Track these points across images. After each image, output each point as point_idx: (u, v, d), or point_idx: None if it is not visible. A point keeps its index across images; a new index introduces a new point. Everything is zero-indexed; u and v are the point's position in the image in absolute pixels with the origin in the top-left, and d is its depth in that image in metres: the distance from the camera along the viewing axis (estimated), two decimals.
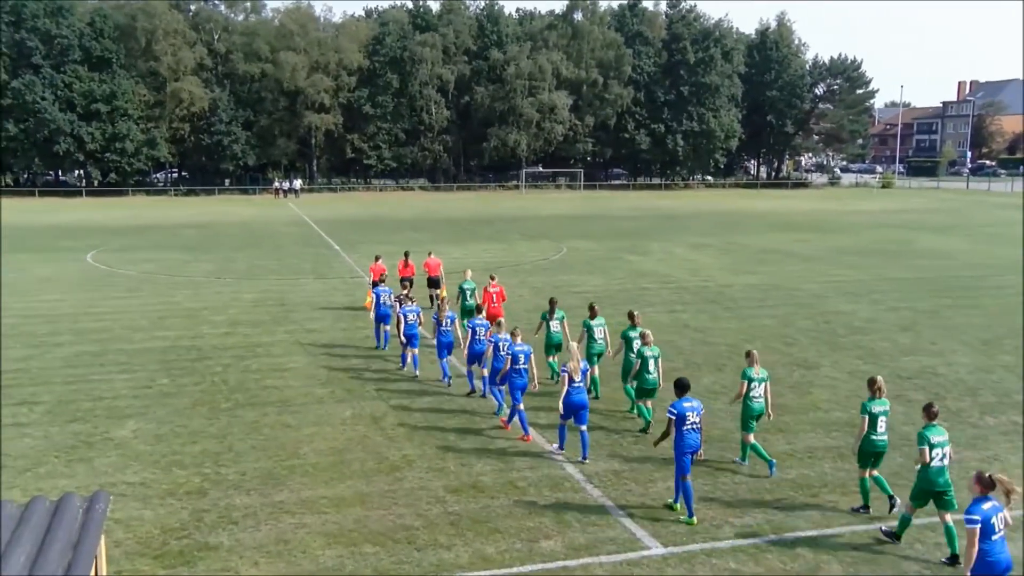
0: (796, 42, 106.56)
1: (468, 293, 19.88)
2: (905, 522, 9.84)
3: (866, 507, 10.70)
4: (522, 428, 13.46)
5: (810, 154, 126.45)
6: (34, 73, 79.86)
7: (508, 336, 13.98)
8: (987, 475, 7.68)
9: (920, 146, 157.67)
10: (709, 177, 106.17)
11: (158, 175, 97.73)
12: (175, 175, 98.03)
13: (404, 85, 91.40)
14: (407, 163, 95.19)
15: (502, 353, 13.90)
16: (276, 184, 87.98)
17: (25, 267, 33.23)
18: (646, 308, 24.32)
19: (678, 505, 10.70)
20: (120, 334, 21.05)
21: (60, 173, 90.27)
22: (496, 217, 59.08)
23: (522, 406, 13.59)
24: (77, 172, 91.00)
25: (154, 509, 10.88)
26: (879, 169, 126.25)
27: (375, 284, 20.79)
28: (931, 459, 9.37)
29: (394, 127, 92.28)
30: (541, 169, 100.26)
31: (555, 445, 12.89)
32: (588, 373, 12.49)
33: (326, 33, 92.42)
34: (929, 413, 9.75)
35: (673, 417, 10.43)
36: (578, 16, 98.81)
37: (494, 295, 18.95)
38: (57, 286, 28.70)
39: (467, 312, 19.07)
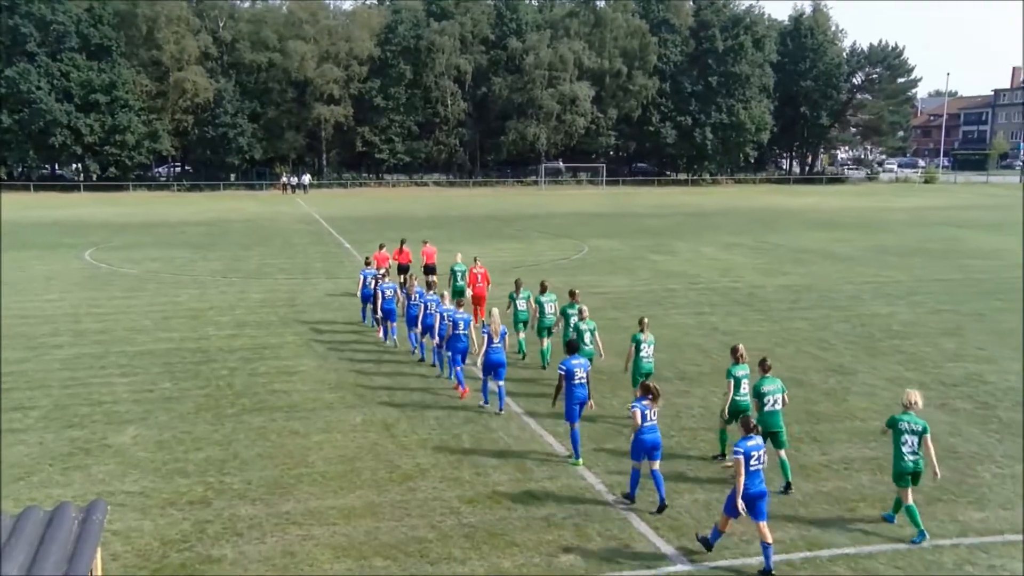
0: (833, 28, 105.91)
1: (459, 275, 22.40)
2: (784, 465, 11.78)
3: (722, 455, 12.83)
4: (459, 382, 16.01)
5: (847, 147, 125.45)
6: (29, 61, 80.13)
7: (454, 307, 16.71)
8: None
9: (968, 138, 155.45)
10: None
11: (160, 169, 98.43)
12: (178, 169, 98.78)
13: (418, 76, 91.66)
14: (421, 157, 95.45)
15: (446, 322, 16.42)
16: (284, 179, 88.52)
17: (23, 265, 33.55)
18: (672, 310, 24.27)
19: (580, 461, 12.69)
20: (121, 335, 21.19)
21: (57, 167, 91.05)
22: (514, 214, 59.09)
23: (460, 368, 16.06)
24: (75, 166, 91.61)
25: (154, 520, 10.91)
26: (921, 163, 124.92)
27: (378, 271, 22.40)
28: (764, 405, 11.76)
29: (407, 120, 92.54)
30: (561, 164, 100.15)
31: (481, 402, 15.35)
32: (507, 336, 15.07)
33: (336, 21, 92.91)
34: (763, 367, 12.08)
35: (563, 373, 12.63)
36: (601, 3, 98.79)
37: (479, 276, 21.68)
38: (56, 285, 28.95)
39: (457, 291, 21.63)
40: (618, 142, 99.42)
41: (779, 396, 11.90)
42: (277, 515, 11.01)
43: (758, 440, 9.81)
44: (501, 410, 14.89)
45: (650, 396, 11.02)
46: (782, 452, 11.86)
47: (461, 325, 16.02)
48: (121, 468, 12.59)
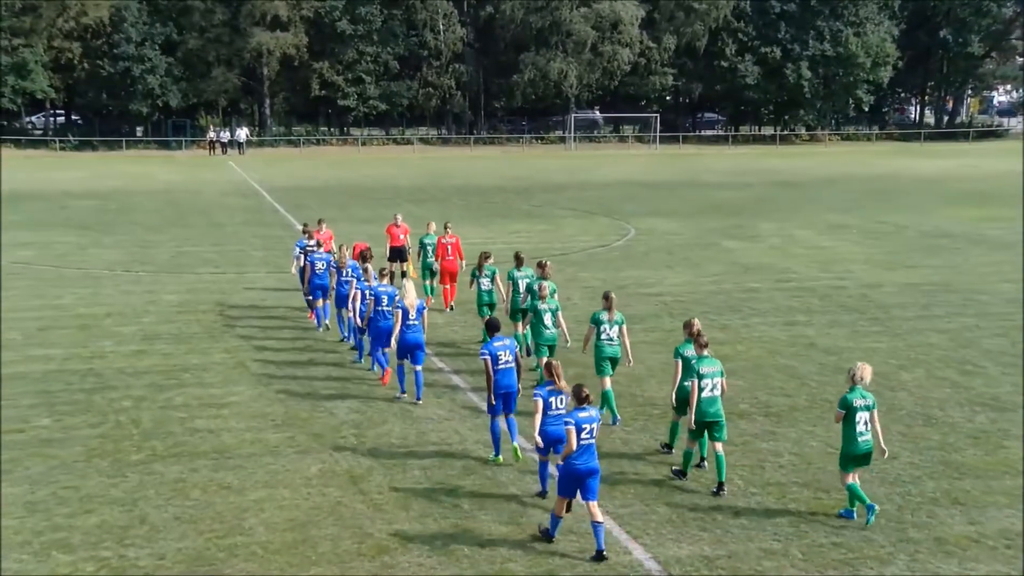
0: None
1: (429, 249, 25.43)
2: (688, 456, 14.12)
3: (669, 447, 15.23)
4: (380, 367, 18.72)
5: (1009, 87, 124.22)
6: None
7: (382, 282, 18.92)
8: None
9: None
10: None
11: (34, 119, 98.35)
12: (60, 119, 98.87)
13: None
14: (402, 105, 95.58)
15: (367, 298, 18.79)
16: (211, 135, 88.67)
17: None
18: (753, 319, 24.20)
19: (500, 458, 14.81)
20: None
21: None
22: (533, 184, 59.09)
23: (384, 352, 18.41)
24: None
25: None
26: None
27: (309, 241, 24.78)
28: (702, 390, 13.59)
29: (383, 52, 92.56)
30: (598, 114, 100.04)
31: (397, 393, 17.82)
32: (425, 311, 17.58)
33: None
34: (699, 343, 14.05)
35: (487, 358, 14.45)
36: None
37: (449, 247, 24.63)
38: None
39: (427, 267, 25.37)
40: (677, 83, 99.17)
41: (719, 380, 13.82)
42: None
43: (592, 412, 11.99)
44: (419, 400, 17.40)
45: (554, 380, 13.06)
46: (719, 446, 13.75)
47: (384, 300, 18.22)
48: None
